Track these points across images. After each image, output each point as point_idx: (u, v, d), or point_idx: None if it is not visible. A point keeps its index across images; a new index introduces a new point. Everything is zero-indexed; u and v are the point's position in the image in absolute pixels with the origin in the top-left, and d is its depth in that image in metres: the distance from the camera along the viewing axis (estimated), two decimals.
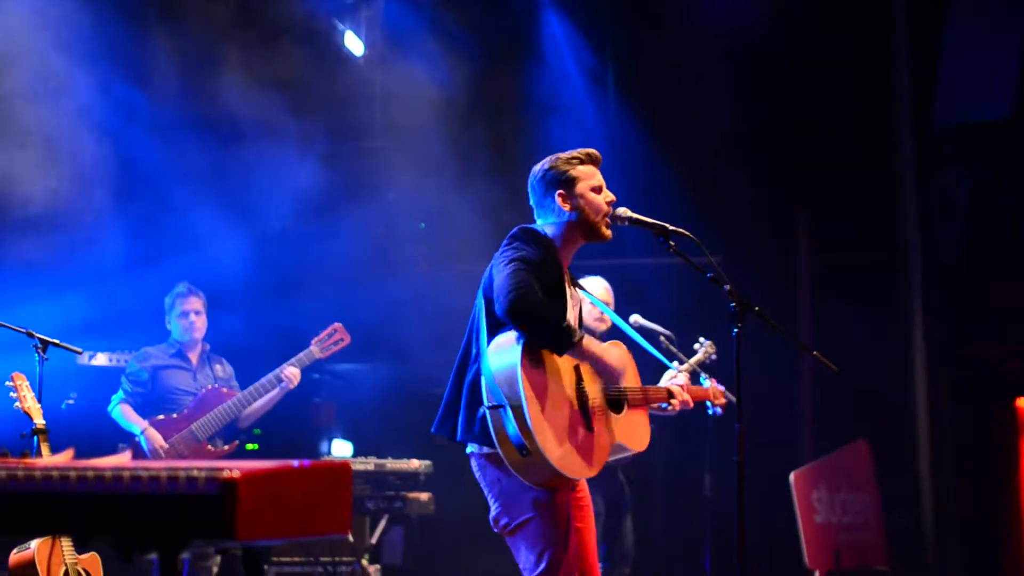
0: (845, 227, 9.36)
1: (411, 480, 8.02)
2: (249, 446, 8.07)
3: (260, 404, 7.34)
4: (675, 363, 7.13)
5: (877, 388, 9.01)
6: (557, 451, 4.20)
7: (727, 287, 4.67)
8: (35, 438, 5.79)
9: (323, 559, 7.77)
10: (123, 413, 7.33)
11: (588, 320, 6.72)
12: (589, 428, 4.42)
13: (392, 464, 8.00)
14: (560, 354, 4.35)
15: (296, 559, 7.89)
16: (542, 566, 4.31)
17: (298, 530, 2.70)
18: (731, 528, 4.66)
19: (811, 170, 9.52)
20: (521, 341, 4.24)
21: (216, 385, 7.47)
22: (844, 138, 9.41)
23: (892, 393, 9.28)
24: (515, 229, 4.53)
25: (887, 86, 9.47)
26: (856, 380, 8.16)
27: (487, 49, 9.61)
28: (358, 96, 9.81)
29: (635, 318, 7.31)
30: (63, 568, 5.81)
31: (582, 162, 4.62)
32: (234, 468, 2.46)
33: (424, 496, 8.04)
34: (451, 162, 9.09)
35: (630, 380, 4.68)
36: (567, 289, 4.52)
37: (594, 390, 4.52)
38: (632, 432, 4.68)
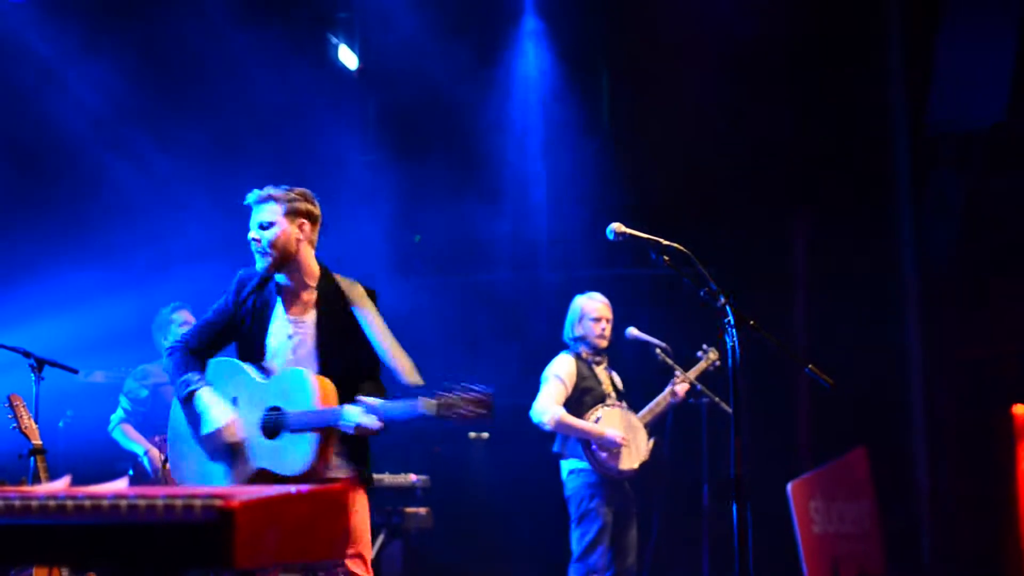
0: (841, 232, 9.35)
1: (408, 495, 8.02)
2: None
3: None
4: (678, 372, 7.20)
5: (874, 394, 9.00)
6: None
7: (721, 300, 4.67)
8: (32, 458, 5.78)
9: (321, 574, 7.74)
10: (125, 433, 7.28)
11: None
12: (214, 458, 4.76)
13: (390, 479, 7.99)
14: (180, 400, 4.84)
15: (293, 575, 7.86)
16: None
17: (296, 555, 2.70)
18: (730, 539, 4.66)
19: (807, 175, 9.53)
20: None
21: None
22: (839, 143, 9.42)
23: (889, 399, 9.28)
24: None
25: (882, 91, 9.49)
26: (853, 386, 8.16)
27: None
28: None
29: (631, 330, 7.33)
30: None
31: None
32: (232, 496, 2.46)
33: (422, 510, 8.03)
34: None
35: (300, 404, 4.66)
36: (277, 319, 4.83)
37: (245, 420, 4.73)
38: (282, 456, 4.66)
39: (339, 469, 4.76)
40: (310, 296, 4.83)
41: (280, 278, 4.83)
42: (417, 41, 9.51)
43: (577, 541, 6.99)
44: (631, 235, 4.76)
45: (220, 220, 8.77)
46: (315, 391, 4.59)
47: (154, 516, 2.49)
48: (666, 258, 4.73)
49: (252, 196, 4.82)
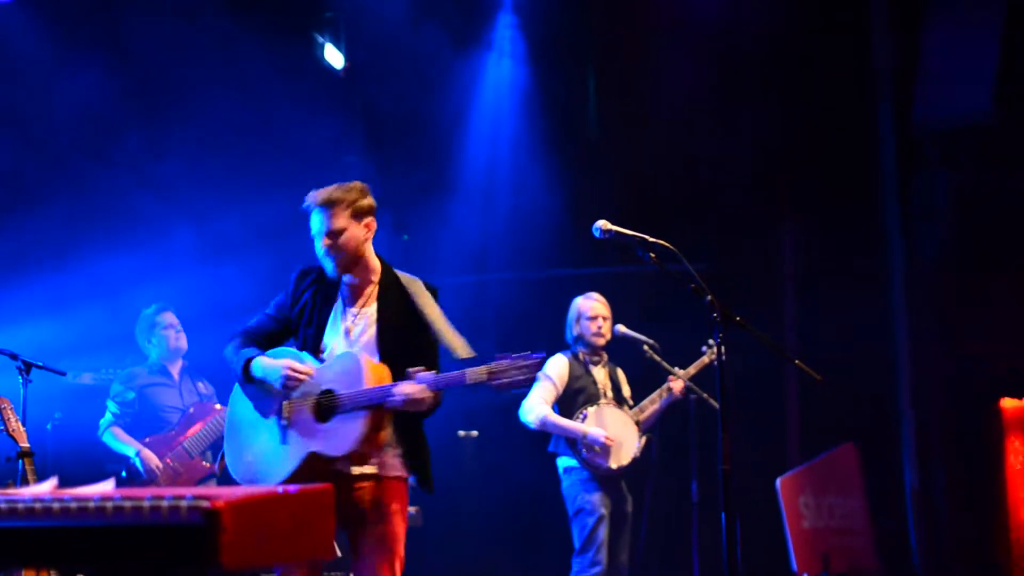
0: (828, 231, 9.37)
1: None
2: None
3: None
4: (677, 371, 7.24)
5: (863, 391, 9.01)
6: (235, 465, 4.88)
7: (708, 298, 4.68)
8: (20, 461, 5.78)
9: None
10: (115, 436, 7.25)
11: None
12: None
13: None
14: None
15: None
16: None
17: (284, 555, 2.71)
18: (719, 535, 4.67)
19: (793, 175, 9.55)
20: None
21: (201, 400, 7.44)
22: (826, 142, 9.43)
23: (878, 395, 9.29)
24: None
25: (867, 90, 9.49)
26: (842, 383, 8.18)
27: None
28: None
29: (620, 327, 7.36)
30: None
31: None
32: (218, 497, 2.46)
33: (413, 510, 8.02)
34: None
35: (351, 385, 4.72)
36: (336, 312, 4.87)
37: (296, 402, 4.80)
38: (332, 437, 4.71)
39: (398, 469, 4.81)
40: (371, 290, 4.87)
41: (345, 277, 4.86)
42: (403, 39, 9.51)
43: (577, 535, 7.10)
44: (618, 232, 4.78)
45: (204, 221, 8.79)
46: (366, 371, 4.65)
47: (140, 517, 2.50)
48: (652, 255, 4.74)
49: (315, 199, 4.79)
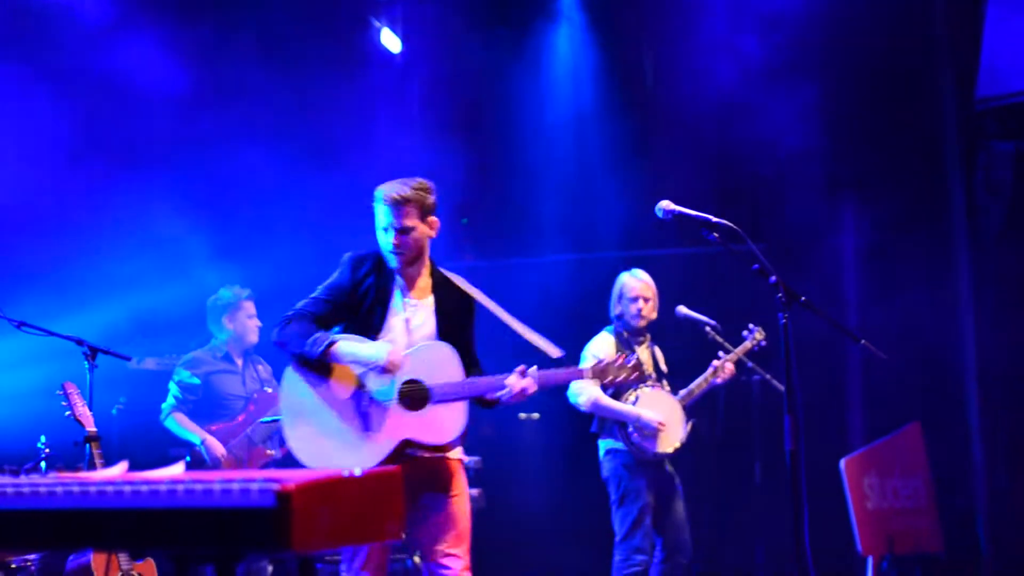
0: (890, 208, 9.26)
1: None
2: None
3: None
4: (722, 352, 7.15)
5: (927, 370, 8.92)
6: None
7: (773, 278, 4.64)
8: (87, 445, 5.84)
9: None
10: (179, 422, 7.24)
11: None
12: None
13: None
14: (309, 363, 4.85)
15: None
16: None
17: (352, 537, 2.71)
18: (781, 516, 4.64)
19: (855, 152, 9.44)
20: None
21: (263, 387, 7.46)
22: (887, 118, 9.32)
23: (942, 374, 9.19)
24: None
25: (930, 65, 9.37)
26: (905, 363, 8.10)
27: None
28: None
29: (681, 308, 7.30)
30: (119, 574, 5.86)
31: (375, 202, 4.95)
32: (288, 479, 2.47)
33: (475, 492, 8.04)
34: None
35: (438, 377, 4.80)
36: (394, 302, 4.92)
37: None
38: (432, 426, 4.79)
39: (460, 452, 4.97)
40: (426, 282, 4.99)
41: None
42: (459, 22, 9.50)
43: (619, 523, 6.95)
44: (680, 213, 4.74)
45: (270, 207, 8.82)
46: (461, 365, 4.79)
47: (211, 500, 2.50)
48: (716, 235, 4.70)
49: (387, 196, 4.86)
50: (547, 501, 9.38)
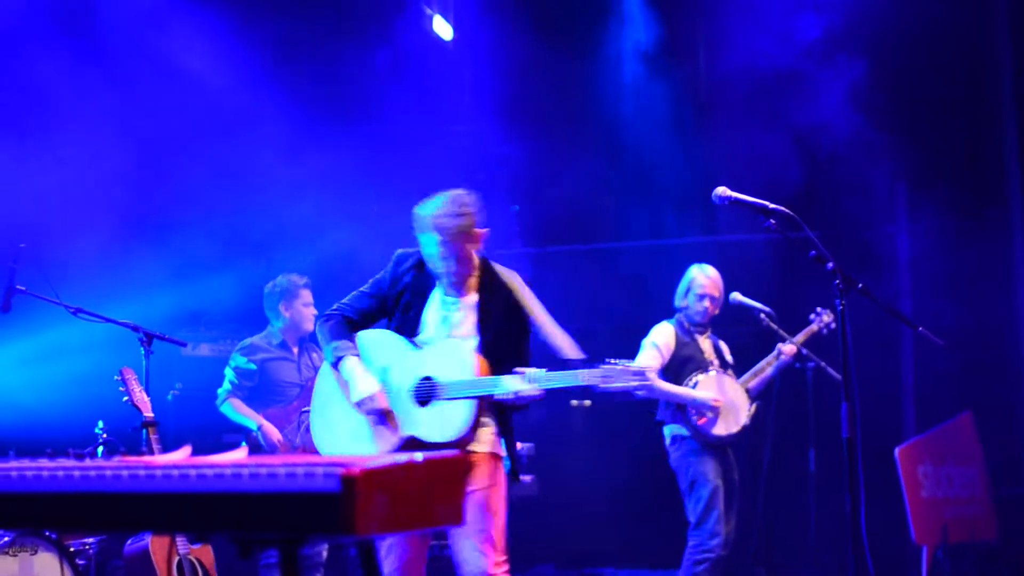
0: (945, 195, 9.17)
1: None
2: None
3: None
4: (785, 336, 7.13)
5: (980, 358, 8.86)
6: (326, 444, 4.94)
7: (830, 264, 4.61)
8: (145, 430, 5.90)
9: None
10: (235, 407, 7.25)
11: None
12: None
13: None
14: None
15: None
16: None
17: (414, 522, 2.71)
18: (835, 504, 4.62)
19: (908, 138, 9.35)
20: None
21: (317, 373, 7.46)
22: (945, 104, 9.24)
23: (996, 362, 9.11)
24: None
25: (987, 49, 9.27)
26: (959, 351, 8.03)
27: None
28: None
29: (735, 295, 7.28)
30: (176, 559, 5.92)
31: None
32: (353, 464, 2.47)
33: (527, 478, 8.05)
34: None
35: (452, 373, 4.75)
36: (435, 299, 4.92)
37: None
38: (435, 423, 4.74)
39: (492, 445, 4.89)
40: (472, 281, 4.95)
41: None
42: (511, 8, 9.49)
43: (692, 509, 6.93)
44: (737, 199, 4.72)
45: (321, 198, 8.84)
46: (474, 361, 4.72)
47: (276, 484, 2.51)
48: (772, 222, 4.68)
49: (434, 226, 4.83)
50: (601, 487, 9.37)
